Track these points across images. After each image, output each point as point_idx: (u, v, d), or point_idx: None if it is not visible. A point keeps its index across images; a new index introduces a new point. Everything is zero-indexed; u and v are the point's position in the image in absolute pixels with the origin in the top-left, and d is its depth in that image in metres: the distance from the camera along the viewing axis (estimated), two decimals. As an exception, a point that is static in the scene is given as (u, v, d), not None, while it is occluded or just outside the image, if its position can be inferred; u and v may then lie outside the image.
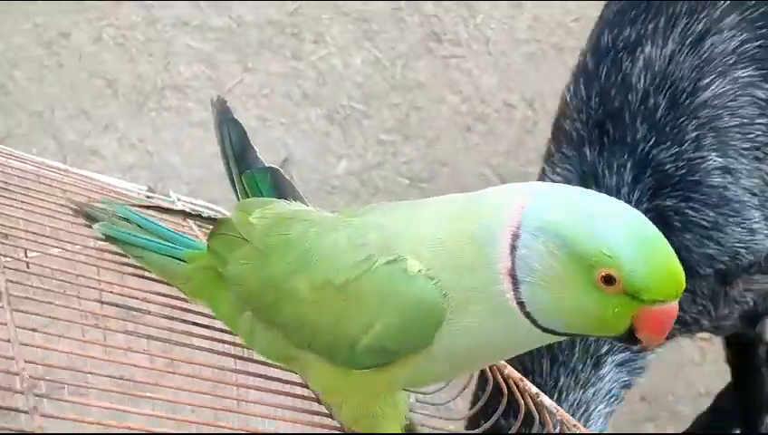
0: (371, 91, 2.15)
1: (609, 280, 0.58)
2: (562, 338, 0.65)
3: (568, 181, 1.06)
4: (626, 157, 1.03)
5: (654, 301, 0.59)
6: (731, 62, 1.04)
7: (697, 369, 2.19)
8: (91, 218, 0.89)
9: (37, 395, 0.58)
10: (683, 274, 0.60)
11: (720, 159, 1.02)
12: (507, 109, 2.17)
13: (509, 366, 0.76)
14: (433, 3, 2.20)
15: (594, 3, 2.15)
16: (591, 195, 0.62)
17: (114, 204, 0.91)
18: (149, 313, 0.78)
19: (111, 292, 0.83)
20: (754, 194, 1.03)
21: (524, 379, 0.75)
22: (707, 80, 1.03)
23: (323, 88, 2.14)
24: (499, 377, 0.77)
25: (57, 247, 0.88)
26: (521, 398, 0.74)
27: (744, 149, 1.03)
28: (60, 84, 2.15)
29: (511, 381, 0.76)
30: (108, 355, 0.71)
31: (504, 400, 0.74)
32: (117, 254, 0.87)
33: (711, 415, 1.80)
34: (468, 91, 2.16)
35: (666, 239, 0.60)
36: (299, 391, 0.78)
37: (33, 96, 2.15)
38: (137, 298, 0.80)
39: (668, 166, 1.03)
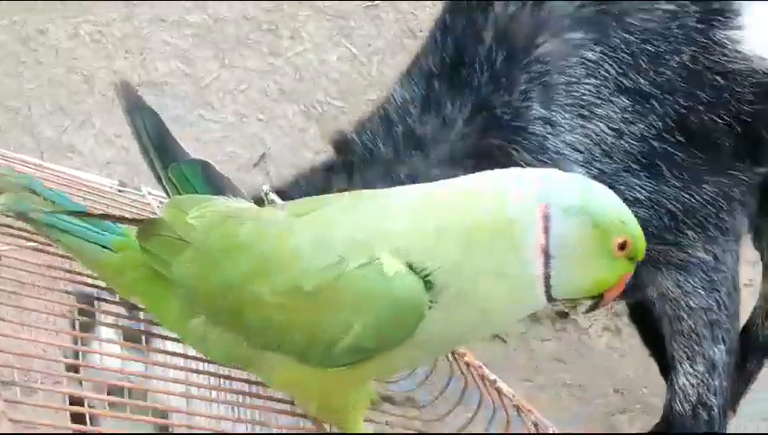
0: (348, 87, 2.16)
1: (623, 246, 0.69)
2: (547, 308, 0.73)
3: (411, 99, 1.17)
4: (466, 97, 1.14)
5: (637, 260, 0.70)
6: (566, 24, 1.13)
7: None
8: (18, 213, 0.78)
9: (5, 382, 0.59)
10: None
11: (543, 111, 1.12)
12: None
13: (468, 353, 0.78)
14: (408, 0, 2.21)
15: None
16: (581, 179, 0.73)
17: (18, 175, 0.80)
18: (117, 302, 0.79)
19: (83, 283, 0.84)
20: (578, 150, 1.13)
21: (483, 366, 0.77)
22: (541, 39, 1.12)
23: (300, 84, 2.15)
24: (461, 364, 0.79)
25: (30, 241, 0.89)
26: (481, 385, 0.76)
27: (568, 105, 1.13)
28: (37, 81, 2.15)
29: (471, 369, 0.77)
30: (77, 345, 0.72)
31: (463, 386, 0.76)
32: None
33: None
34: (444, 87, 2.18)
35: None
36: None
37: (10, 92, 2.15)
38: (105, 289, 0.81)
39: (499, 110, 1.13)
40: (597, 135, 1.13)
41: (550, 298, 0.69)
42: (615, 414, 2.06)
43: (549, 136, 1.13)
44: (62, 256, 0.86)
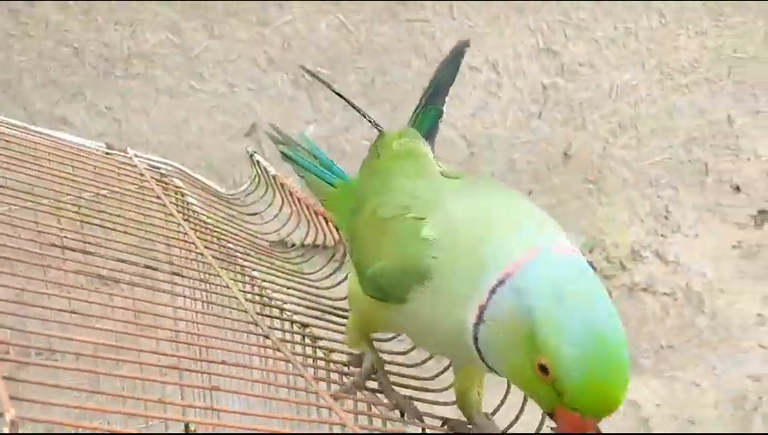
0: (337, 55, 2.17)
1: (544, 370, 0.59)
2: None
3: None
4: None
5: (574, 408, 0.59)
6: None
7: (660, 323, 2.24)
8: (277, 141, 1.04)
9: (5, 360, 0.60)
10: (620, 398, 0.59)
11: None
12: (471, 72, 2.20)
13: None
14: (396, -33, 2.22)
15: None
16: (585, 280, 0.62)
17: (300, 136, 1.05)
18: (103, 257, 0.81)
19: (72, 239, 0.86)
20: None
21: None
22: None
23: (289, 53, 2.16)
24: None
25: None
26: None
27: None
28: (27, 54, 2.16)
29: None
30: (75, 320, 0.72)
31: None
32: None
33: None
34: (433, 54, 2.19)
35: (623, 354, 0.60)
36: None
37: (1, 65, 2.16)
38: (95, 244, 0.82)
39: None
40: None
41: (486, 363, 0.65)
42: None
43: None
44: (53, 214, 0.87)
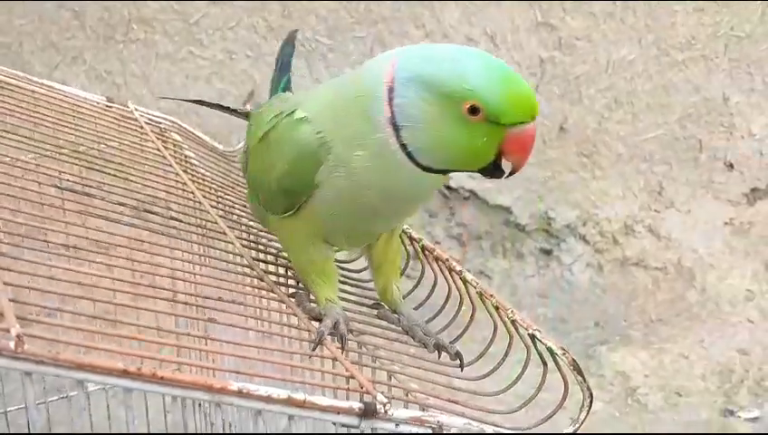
0: (336, 24, 2.18)
1: (473, 110, 0.68)
2: (442, 179, 0.74)
3: None
4: None
5: (513, 124, 0.69)
6: None
7: (651, 297, 2.27)
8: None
9: (10, 300, 0.61)
10: (535, 97, 0.70)
11: None
12: (469, 43, 2.21)
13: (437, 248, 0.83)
14: (397, -62, 2.23)
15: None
16: (449, 46, 0.72)
17: None
18: (103, 199, 0.83)
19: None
20: None
21: (450, 259, 0.82)
22: None
23: (288, 21, 2.17)
24: (429, 259, 0.84)
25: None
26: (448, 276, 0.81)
27: None
28: (27, 17, 2.17)
29: (440, 262, 0.82)
30: (80, 281, 0.73)
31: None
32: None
33: None
34: (431, 25, 2.20)
35: (516, 72, 0.71)
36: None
37: (1, 29, 2.16)
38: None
39: None
40: None
41: (423, 167, 0.71)
42: (595, 346, 2.11)
43: None
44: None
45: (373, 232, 0.82)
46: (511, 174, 0.71)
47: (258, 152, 0.83)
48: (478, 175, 0.72)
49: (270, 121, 0.81)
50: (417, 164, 0.71)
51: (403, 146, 0.70)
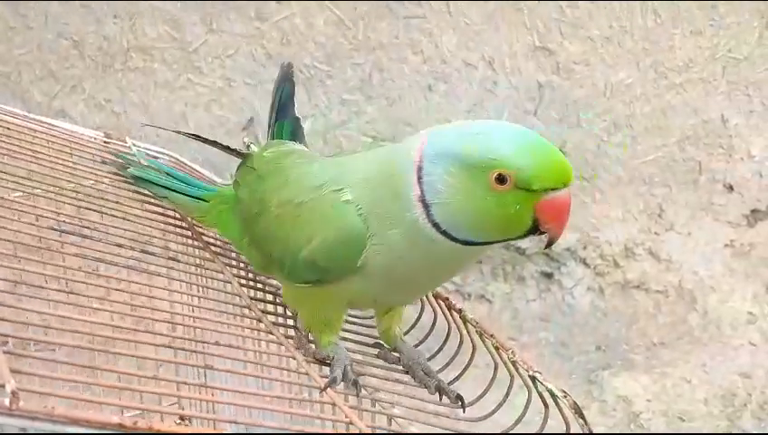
0: (334, 51, 2.19)
1: (501, 179, 0.68)
2: (484, 249, 0.74)
3: None
4: None
5: (546, 190, 0.68)
6: None
7: (652, 320, 2.26)
8: (122, 166, 1.05)
9: (6, 352, 0.60)
10: (567, 162, 0.69)
11: None
12: (467, 68, 2.22)
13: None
14: (394, -36, 2.24)
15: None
16: (479, 121, 0.72)
17: (145, 157, 1.09)
18: (100, 240, 0.82)
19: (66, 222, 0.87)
20: None
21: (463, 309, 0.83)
22: None
23: (287, 48, 2.17)
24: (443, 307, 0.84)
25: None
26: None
27: None
28: (26, 46, 2.17)
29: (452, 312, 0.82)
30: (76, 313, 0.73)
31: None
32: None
33: None
34: (429, 51, 2.21)
35: (546, 139, 0.70)
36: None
37: (0, 58, 2.17)
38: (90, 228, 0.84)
39: None
40: None
41: (461, 241, 0.70)
42: (596, 370, 2.10)
43: None
44: (50, 198, 0.89)
45: (407, 300, 0.82)
46: (549, 244, 0.71)
47: (284, 218, 0.80)
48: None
49: (309, 196, 0.78)
50: (455, 239, 0.71)
51: (436, 225, 0.70)
